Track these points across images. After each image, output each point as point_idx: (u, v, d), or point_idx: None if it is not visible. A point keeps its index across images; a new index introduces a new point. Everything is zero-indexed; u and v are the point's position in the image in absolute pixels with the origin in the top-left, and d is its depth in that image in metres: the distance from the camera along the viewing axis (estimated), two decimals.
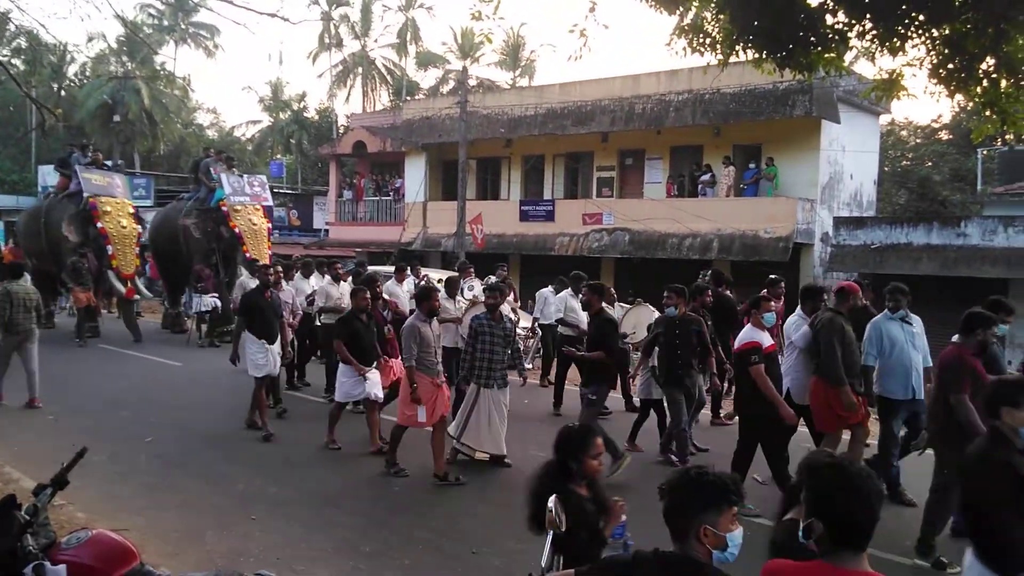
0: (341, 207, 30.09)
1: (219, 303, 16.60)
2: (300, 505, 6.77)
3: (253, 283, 12.81)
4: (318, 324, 11.74)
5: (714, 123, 20.59)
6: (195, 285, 17.48)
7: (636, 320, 10.87)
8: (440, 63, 46.13)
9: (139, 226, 18.40)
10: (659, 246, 20.70)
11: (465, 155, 22.41)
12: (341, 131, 37.17)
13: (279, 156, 45.32)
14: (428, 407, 7.41)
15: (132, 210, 18.48)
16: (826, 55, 7.83)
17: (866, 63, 8.09)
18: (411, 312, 8.57)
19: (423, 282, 12.36)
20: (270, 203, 19.67)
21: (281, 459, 8.18)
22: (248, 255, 17.27)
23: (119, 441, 8.61)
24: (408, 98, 37.07)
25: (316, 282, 12.26)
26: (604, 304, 10.90)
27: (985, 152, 25.29)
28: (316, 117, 47.18)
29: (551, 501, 2.92)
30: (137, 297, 18.16)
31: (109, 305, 20.55)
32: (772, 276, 10.77)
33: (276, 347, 9.31)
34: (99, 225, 17.37)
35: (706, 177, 21.04)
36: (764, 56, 7.94)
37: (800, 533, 2.35)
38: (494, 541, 5.98)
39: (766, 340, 6.78)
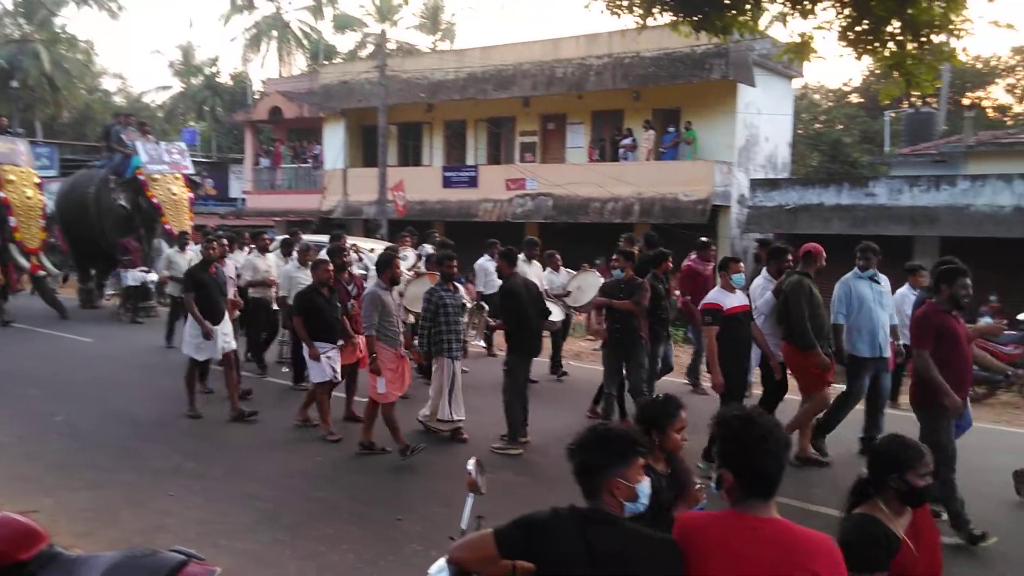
0: (258, 175, 29.29)
1: (151, 278, 15.80)
2: (219, 480, 6.62)
3: (181, 257, 12.38)
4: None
5: (634, 87, 20.72)
6: (120, 259, 16.53)
7: (581, 284, 10.70)
8: (358, 26, 44.98)
9: (44, 197, 17.39)
10: (582, 210, 20.84)
11: (385, 121, 22.04)
12: (256, 97, 36.05)
13: (192, 123, 43.67)
14: (391, 379, 7.15)
15: (37, 180, 17.36)
16: (740, 18, 7.94)
17: (779, 27, 8.20)
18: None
19: (353, 253, 11.95)
20: (190, 171, 18.77)
21: (199, 434, 7.98)
22: (168, 227, 16.55)
23: (28, 421, 8.28)
24: (326, 62, 36.14)
25: (240, 255, 11.64)
26: (549, 270, 11.00)
27: (892, 114, 26.20)
28: (230, 82, 45.59)
29: (471, 463, 2.89)
30: (42, 273, 17.27)
31: (20, 283, 19.45)
32: (703, 239, 10.84)
33: (224, 327, 8.50)
34: (1, 195, 16.27)
35: (627, 141, 21.22)
36: (680, 19, 8.00)
37: (713, 484, 2.40)
38: (418, 508, 5.97)
39: (731, 301, 6.76)
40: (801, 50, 7.99)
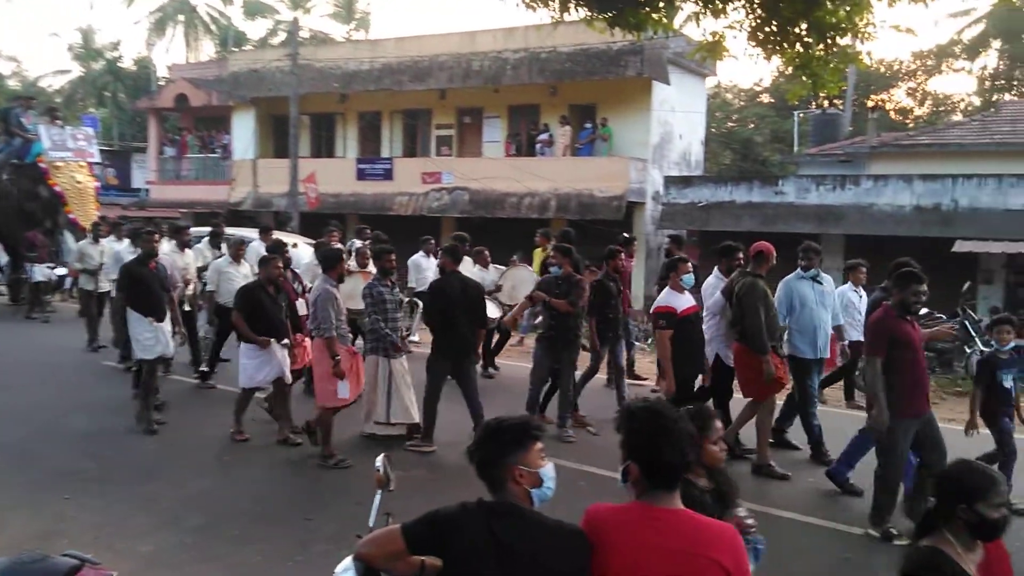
0: (163, 165, 28.20)
1: (59, 273, 15.04)
2: (119, 481, 6.31)
3: (94, 249, 11.80)
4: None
5: (550, 82, 20.80)
6: (25, 254, 15.47)
7: (514, 281, 10.33)
8: (269, 13, 43.84)
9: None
10: (498, 205, 20.82)
11: (297, 110, 21.53)
12: (161, 83, 34.74)
13: (92, 109, 41.75)
14: (349, 380, 6.87)
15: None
16: (654, 16, 7.99)
17: (693, 26, 8.31)
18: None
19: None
20: (96, 159, 17.85)
21: (98, 434, 7.58)
22: (72, 217, 15.72)
23: None
24: (235, 49, 35.09)
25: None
26: (478, 267, 10.54)
27: (801, 115, 27.08)
28: (133, 68, 43.80)
29: (379, 460, 2.83)
30: None
31: None
32: (625, 235, 11.00)
33: (167, 325, 7.97)
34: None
35: (544, 136, 21.30)
36: (595, 15, 8.01)
37: (619, 476, 2.41)
38: (330, 506, 5.83)
39: (683, 303, 6.63)
40: (713, 49, 8.10)
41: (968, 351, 10.59)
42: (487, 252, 10.97)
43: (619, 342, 8.57)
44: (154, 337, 7.79)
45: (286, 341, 7.42)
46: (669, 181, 19.93)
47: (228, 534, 5.34)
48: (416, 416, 7.33)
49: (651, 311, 6.90)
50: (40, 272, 14.91)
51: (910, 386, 5.24)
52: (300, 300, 8.08)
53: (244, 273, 9.36)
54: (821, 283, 7.11)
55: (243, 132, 25.93)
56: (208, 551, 5.09)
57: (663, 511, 2.33)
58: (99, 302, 11.79)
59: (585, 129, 21.16)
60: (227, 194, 25.35)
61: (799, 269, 7.13)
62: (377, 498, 2.77)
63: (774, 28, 7.65)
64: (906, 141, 20.55)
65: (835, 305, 7.30)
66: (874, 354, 5.30)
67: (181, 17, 43.18)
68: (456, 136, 23.86)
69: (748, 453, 7.03)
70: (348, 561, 2.47)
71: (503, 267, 10.98)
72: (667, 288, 6.79)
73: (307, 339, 7.70)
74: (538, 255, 11.11)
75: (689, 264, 6.87)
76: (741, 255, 7.29)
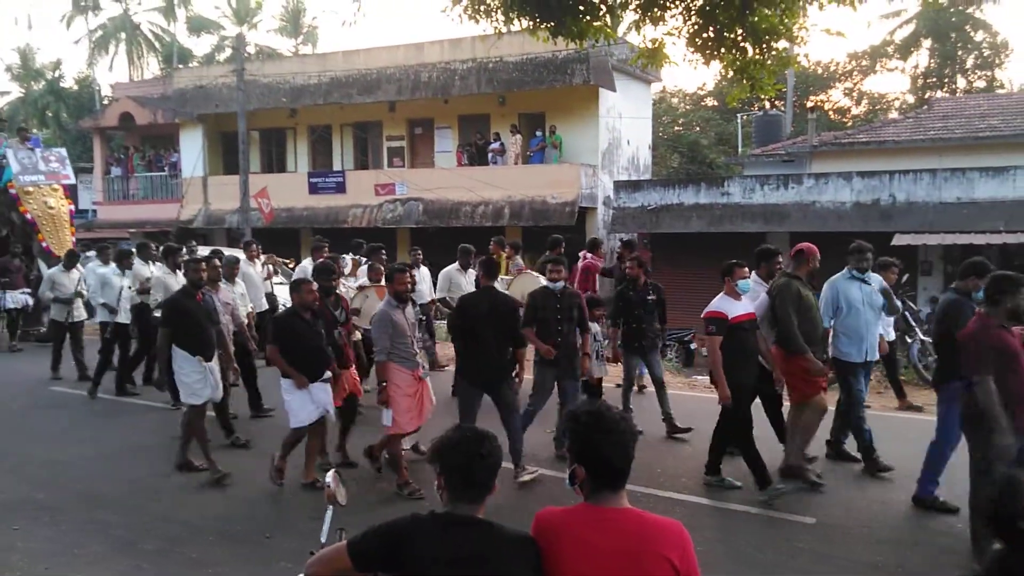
0: (109, 185, 27.67)
1: (30, 300, 14.26)
2: (70, 510, 6.20)
3: (67, 278, 11.35)
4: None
5: (499, 92, 20.95)
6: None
7: (522, 289, 9.47)
8: (214, 29, 43.44)
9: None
10: (453, 215, 20.87)
11: (245, 126, 21.34)
12: (105, 102, 34.13)
13: (34, 131, 40.81)
14: (408, 407, 6.34)
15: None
16: (595, 24, 8.15)
17: (634, 33, 8.48)
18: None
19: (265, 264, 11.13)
20: (71, 180, 16.90)
21: (47, 463, 7.44)
22: (44, 244, 15.04)
23: None
24: (180, 66, 34.62)
25: (142, 271, 10.44)
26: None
27: (744, 117, 27.60)
28: (75, 87, 42.96)
29: (329, 476, 2.84)
30: None
31: None
32: (594, 238, 11.05)
33: (216, 364, 7.21)
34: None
35: (496, 145, 21.43)
36: (538, 24, 8.14)
37: (567, 479, 2.44)
38: (289, 524, 5.81)
39: (737, 309, 6.21)
40: (654, 55, 8.30)
41: (909, 341, 10.93)
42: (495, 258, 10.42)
43: (652, 352, 8.10)
44: (203, 379, 6.98)
45: (328, 375, 6.65)
46: (619, 186, 20.18)
47: (186, 557, 5.29)
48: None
49: (702, 316, 6.49)
50: (12, 299, 14.21)
51: (1017, 404, 4.70)
52: (340, 329, 7.16)
53: (241, 292, 9.21)
54: (869, 283, 6.77)
55: (191, 149, 25.60)
56: (165, 575, 5.04)
57: (610, 511, 2.36)
58: (72, 332, 11.43)
59: (535, 137, 21.34)
60: (177, 212, 25.01)
61: (847, 269, 6.77)
62: (328, 514, 2.77)
63: (711, 34, 7.86)
64: (845, 140, 21.10)
65: (881, 305, 6.89)
66: (985, 372, 4.70)
67: (123, 35, 42.47)
68: (408, 147, 23.86)
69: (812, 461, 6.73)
70: None
71: (507, 276, 10.38)
72: (721, 293, 6.37)
73: (351, 369, 7.16)
74: None
75: (745, 268, 6.38)
76: (780, 258, 6.98)
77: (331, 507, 2.78)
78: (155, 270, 10.10)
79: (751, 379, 6.26)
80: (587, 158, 20.80)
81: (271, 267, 11.54)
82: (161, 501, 6.42)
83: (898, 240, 15.21)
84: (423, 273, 11.12)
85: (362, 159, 24.63)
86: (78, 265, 11.71)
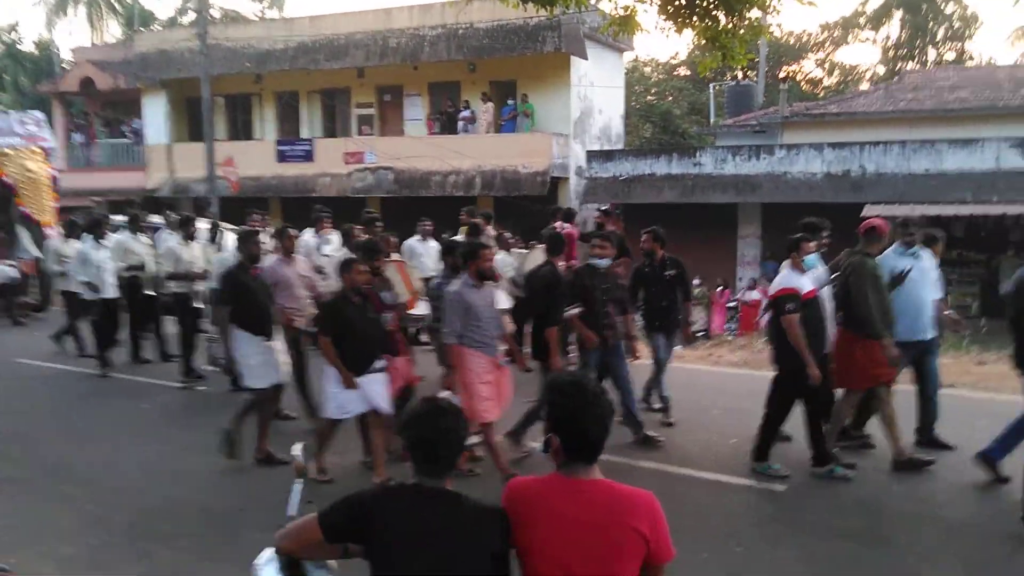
0: (71, 152, 26.98)
1: (16, 273, 13.81)
2: (37, 484, 6.11)
3: (67, 247, 10.67)
4: (149, 293, 9.80)
5: (469, 58, 20.71)
6: None
7: (536, 264, 9.02)
8: None
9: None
10: (423, 184, 20.70)
11: (209, 91, 20.88)
12: (65, 67, 33.23)
13: None
14: (487, 395, 5.87)
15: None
16: None
17: (606, 0, 8.37)
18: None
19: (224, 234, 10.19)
20: (49, 143, 16.19)
21: (16, 437, 7.30)
22: (24, 210, 14.51)
23: None
24: (142, 29, 33.77)
25: (132, 244, 9.86)
26: (501, 252, 9.16)
27: (716, 87, 27.58)
28: (34, 51, 41.76)
29: (297, 448, 2.80)
30: None
31: None
32: (568, 208, 10.89)
33: (278, 343, 6.71)
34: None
35: (466, 114, 21.21)
36: None
37: (541, 446, 2.44)
38: (265, 496, 5.67)
39: (806, 285, 5.85)
40: (625, 23, 8.17)
41: None
42: (507, 234, 9.97)
43: (672, 333, 7.57)
44: (265, 360, 6.43)
45: (381, 363, 6.03)
46: (591, 155, 20.13)
47: (159, 530, 5.23)
48: None
49: (771, 295, 6.13)
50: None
51: None
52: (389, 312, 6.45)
53: None
54: (920, 258, 6.47)
55: (155, 116, 25.09)
56: (137, 549, 4.98)
57: (581, 482, 2.36)
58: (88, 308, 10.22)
59: (507, 105, 21.15)
60: (143, 180, 24.54)
61: (898, 245, 6.49)
62: (297, 486, 2.73)
63: (683, 2, 7.77)
64: (816, 111, 21.21)
65: (936, 280, 6.57)
66: None
67: None
68: (377, 115, 23.56)
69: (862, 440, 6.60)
70: (269, 552, 2.44)
71: (523, 249, 10.08)
72: (787, 268, 5.99)
73: (403, 358, 6.50)
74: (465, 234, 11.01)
75: (812, 243, 6.02)
76: (826, 232, 6.63)
77: (300, 480, 2.74)
78: (167, 240, 9.65)
79: (819, 358, 5.87)
80: (559, 127, 20.67)
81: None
82: (132, 475, 6.33)
83: (868, 211, 15.32)
84: (431, 246, 10.40)
85: (330, 127, 24.28)
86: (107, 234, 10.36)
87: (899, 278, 6.25)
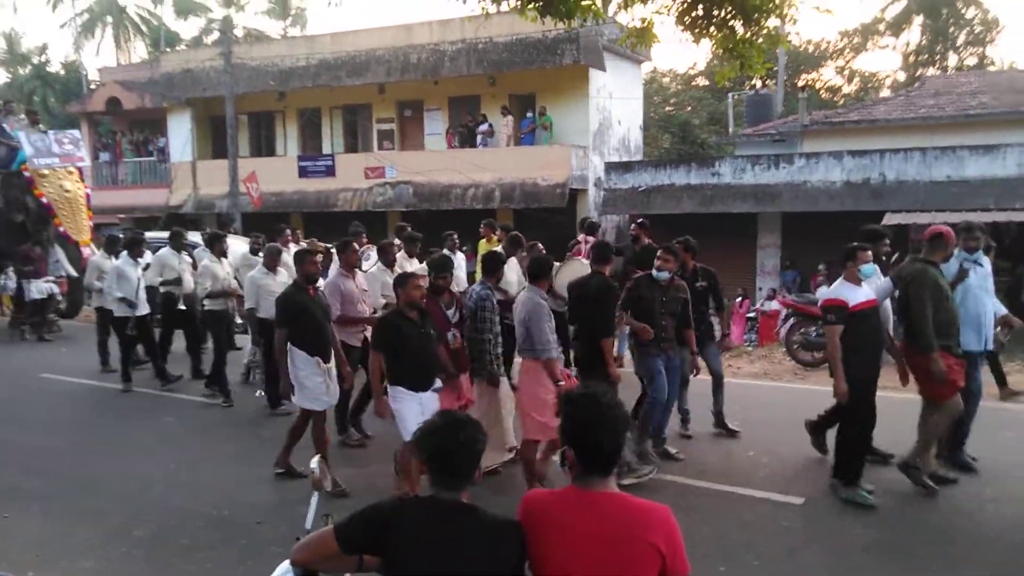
0: (98, 170, 27.41)
1: (57, 290, 13.95)
2: (60, 498, 6.21)
3: (107, 263, 10.46)
4: (182, 308, 9.88)
5: (489, 73, 20.82)
6: (22, 269, 14.08)
7: (571, 276, 8.57)
8: (202, 12, 42.96)
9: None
10: (443, 198, 20.80)
11: (233, 109, 21.18)
12: (92, 87, 33.82)
13: (21, 116, 40.44)
14: (552, 406, 5.64)
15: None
16: (583, 3, 8.07)
17: (623, 12, 8.40)
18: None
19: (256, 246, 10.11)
20: (86, 163, 16.34)
21: (43, 452, 7.43)
22: (62, 229, 14.55)
23: None
24: (167, 50, 34.30)
25: (172, 261, 9.91)
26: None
27: (735, 96, 27.51)
28: (62, 72, 42.54)
29: (314, 461, 2.84)
30: None
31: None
32: (591, 220, 10.53)
33: (332, 365, 6.54)
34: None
35: (484, 127, 21.32)
36: (526, 3, 8.06)
37: (558, 460, 2.46)
38: (281, 510, 5.81)
39: (858, 296, 5.68)
40: (643, 35, 8.22)
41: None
42: (540, 244, 9.62)
43: (708, 344, 7.44)
44: (324, 383, 6.29)
45: (438, 384, 5.82)
46: (610, 167, 20.14)
47: (178, 544, 5.29)
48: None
49: (820, 304, 6.07)
50: (37, 288, 13.75)
51: None
52: (454, 331, 6.28)
53: (283, 282, 8.25)
54: (982, 265, 6.31)
55: (180, 134, 25.43)
56: (156, 562, 5.05)
57: (597, 495, 2.37)
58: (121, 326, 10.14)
59: (526, 118, 21.24)
60: (167, 197, 24.88)
61: (960, 250, 6.24)
62: (314, 500, 2.78)
63: (700, 12, 7.79)
64: (836, 119, 21.06)
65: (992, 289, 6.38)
66: None
67: (109, 18, 42.02)
68: (397, 130, 23.73)
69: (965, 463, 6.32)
70: (285, 565, 2.47)
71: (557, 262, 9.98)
72: (840, 279, 5.86)
73: (465, 376, 6.27)
74: (483, 246, 11.06)
75: (869, 252, 5.79)
76: (887, 240, 6.58)
77: (317, 493, 2.79)
78: (204, 259, 9.56)
79: (873, 372, 5.74)
80: (578, 139, 20.71)
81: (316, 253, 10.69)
82: (153, 488, 6.41)
83: (889, 219, 15.21)
84: (459, 259, 10.40)
85: (352, 142, 24.49)
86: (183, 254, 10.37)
87: (962, 274, 6.11)
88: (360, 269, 7.92)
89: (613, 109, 22.20)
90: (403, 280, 5.81)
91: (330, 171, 22.69)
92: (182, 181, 24.86)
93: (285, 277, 8.56)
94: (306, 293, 6.45)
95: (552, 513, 2.38)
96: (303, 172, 23.01)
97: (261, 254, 9.17)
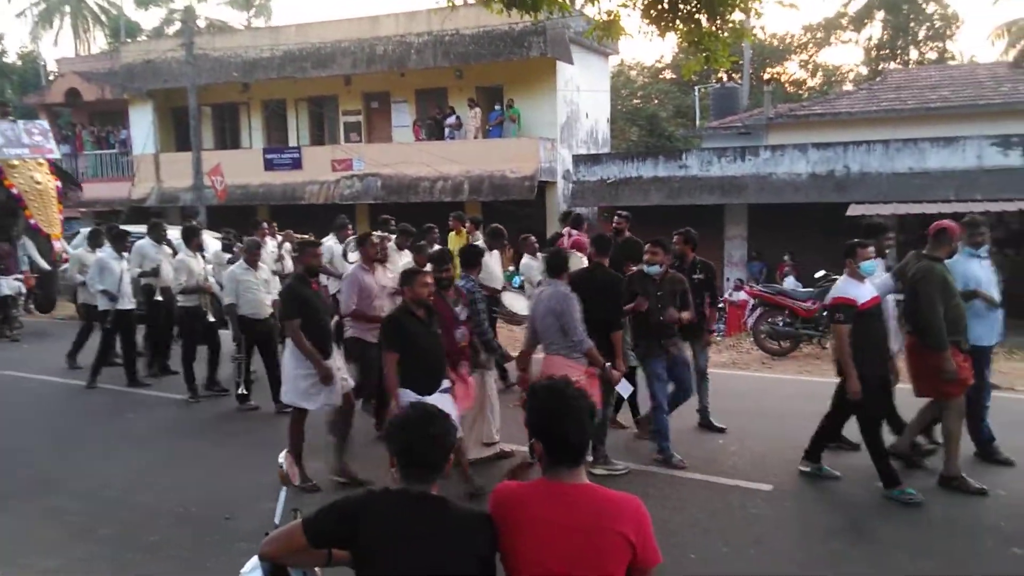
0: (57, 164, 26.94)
1: (23, 287, 13.58)
2: (18, 497, 6.08)
3: (90, 256, 10.23)
4: (158, 300, 9.69)
5: (455, 65, 20.74)
6: None
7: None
8: (163, 2, 42.29)
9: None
10: (411, 190, 20.70)
11: (196, 101, 20.87)
12: (51, 78, 33.13)
13: None
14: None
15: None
16: None
17: (590, 5, 8.41)
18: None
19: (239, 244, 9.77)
20: (56, 154, 15.97)
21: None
22: (33, 222, 14.13)
23: None
24: (128, 40, 33.69)
25: (151, 252, 9.73)
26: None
27: (701, 89, 27.71)
28: (19, 63, 41.60)
29: (281, 456, 2.83)
30: None
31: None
32: (577, 213, 10.25)
33: (338, 361, 6.41)
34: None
35: (452, 120, 21.25)
36: None
37: (527, 452, 2.46)
38: (249, 505, 5.74)
39: (864, 294, 5.62)
40: (609, 28, 8.22)
41: None
42: (533, 238, 9.63)
43: (699, 337, 7.33)
44: (317, 381, 6.05)
45: (446, 385, 5.55)
46: (578, 159, 20.19)
47: (144, 541, 5.22)
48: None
49: (827, 302, 5.97)
50: (8, 285, 13.32)
51: None
52: (462, 329, 6.05)
53: (264, 279, 8.42)
54: (987, 259, 6.23)
55: (142, 126, 25.01)
56: (123, 560, 4.97)
57: (567, 486, 2.37)
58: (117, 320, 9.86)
59: (494, 111, 21.21)
60: (129, 190, 24.48)
61: (965, 246, 6.13)
62: (282, 495, 2.76)
63: (665, 6, 7.82)
64: (800, 112, 21.30)
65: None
66: None
67: (68, 8, 41.19)
68: (364, 122, 23.56)
69: (923, 458, 6.31)
70: (255, 560, 2.45)
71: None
72: (844, 276, 5.76)
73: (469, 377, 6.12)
74: (453, 239, 11.00)
75: (870, 248, 5.73)
76: (890, 235, 6.41)
77: (285, 488, 2.76)
78: (180, 253, 9.30)
79: (882, 369, 5.73)
80: (546, 132, 20.72)
81: (288, 247, 10.36)
82: (117, 486, 6.31)
83: (853, 211, 15.45)
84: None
85: (318, 134, 24.28)
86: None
87: (971, 295, 6.00)
88: (382, 263, 7.73)
89: (581, 102, 22.24)
90: (410, 277, 5.52)
91: (296, 163, 22.48)
92: (145, 174, 24.47)
93: (266, 273, 8.53)
94: (308, 286, 6.27)
95: (522, 504, 2.38)
96: (269, 165, 22.76)
97: (235, 250, 9.05)
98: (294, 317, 6.05)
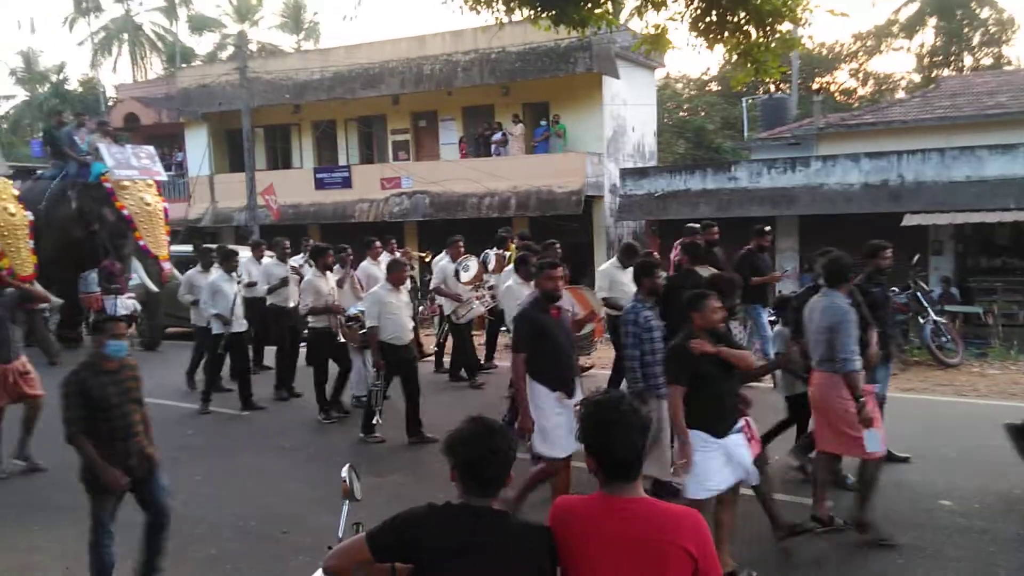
0: None
1: (138, 305, 13.47)
2: (79, 509, 6.21)
3: (201, 277, 10.01)
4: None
5: (502, 82, 20.90)
6: (106, 286, 13.51)
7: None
8: (216, 27, 43.46)
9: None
10: (459, 207, 20.86)
11: (249, 123, 21.36)
12: (110, 104, 34.24)
13: (40, 134, 40.95)
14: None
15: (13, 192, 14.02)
16: (597, 11, 8.12)
17: (636, 19, 8.43)
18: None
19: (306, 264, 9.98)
20: (163, 177, 15.76)
21: (64, 465, 7.47)
22: (141, 244, 13.77)
23: None
24: (183, 65, 34.68)
25: (275, 269, 9.90)
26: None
27: (749, 100, 27.48)
28: (80, 89, 43.09)
29: (345, 470, 2.86)
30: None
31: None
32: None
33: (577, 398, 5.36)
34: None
35: (498, 136, 21.39)
36: (539, 13, 8.11)
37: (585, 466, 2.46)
38: (307, 519, 5.81)
39: None
40: (657, 41, 8.25)
41: (922, 321, 10.88)
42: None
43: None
44: (566, 424, 5.12)
45: (741, 423, 4.76)
46: (625, 173, 20.14)
47: (204, 554, 5.33)
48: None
49: None
50: (122, 305, 13.15)
51: None
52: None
53: (406, 301, 7.92)
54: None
55: (197, 148, 25.66)
56: (180, 573, 5.07)
57: (625, 500, 2.36)
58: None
59: (540, 127, 21.30)
60: (185, 211, 25.10)
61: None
62: (344, 508, 2.79)
63: (714, 18, 7.83)
64: (851, 121, 20.96)
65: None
66: None
67: (126, 36, 42.57)
68: (412, 140, 23.86)
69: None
70: (319, 573, 2.49)
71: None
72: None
73: None
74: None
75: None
76: (889, 252, 6.14)
77: (347, 502, 2.80)
78: (307, 273, 9.18)
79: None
80: (592, 146, 20.74)
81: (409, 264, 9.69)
82: (177, 499, 6.42)
83: (908, 220, 15.13)
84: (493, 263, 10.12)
85: (367, 153, 24.64)
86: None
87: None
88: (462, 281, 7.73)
89: (627, 115, 22.22)
90: (700, 302, 4.62)
91: (346, 182, 22.84)
92: (200, 195, 25.08)
93: (407, 296, 8.08)
94: (548, 314, 5.42)
95: (582, 518, 2.38)
96: (319, 184, 23.17)
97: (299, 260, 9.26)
98: (522, 350, 5.30)
